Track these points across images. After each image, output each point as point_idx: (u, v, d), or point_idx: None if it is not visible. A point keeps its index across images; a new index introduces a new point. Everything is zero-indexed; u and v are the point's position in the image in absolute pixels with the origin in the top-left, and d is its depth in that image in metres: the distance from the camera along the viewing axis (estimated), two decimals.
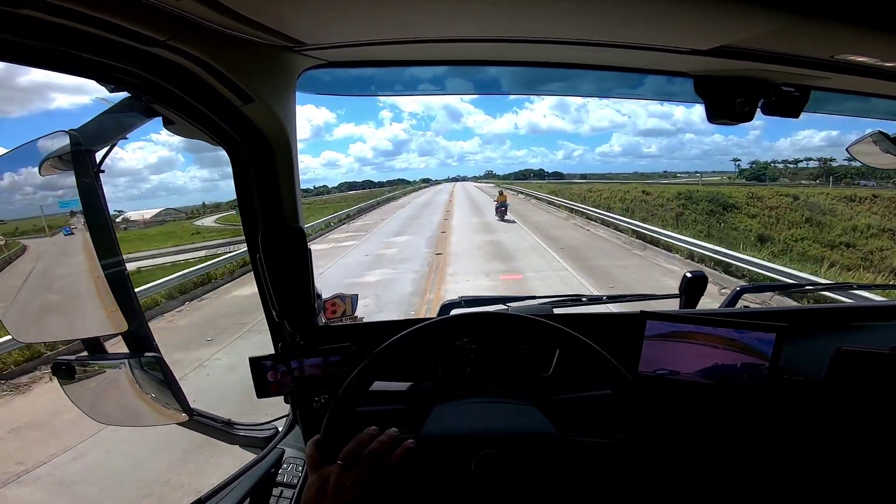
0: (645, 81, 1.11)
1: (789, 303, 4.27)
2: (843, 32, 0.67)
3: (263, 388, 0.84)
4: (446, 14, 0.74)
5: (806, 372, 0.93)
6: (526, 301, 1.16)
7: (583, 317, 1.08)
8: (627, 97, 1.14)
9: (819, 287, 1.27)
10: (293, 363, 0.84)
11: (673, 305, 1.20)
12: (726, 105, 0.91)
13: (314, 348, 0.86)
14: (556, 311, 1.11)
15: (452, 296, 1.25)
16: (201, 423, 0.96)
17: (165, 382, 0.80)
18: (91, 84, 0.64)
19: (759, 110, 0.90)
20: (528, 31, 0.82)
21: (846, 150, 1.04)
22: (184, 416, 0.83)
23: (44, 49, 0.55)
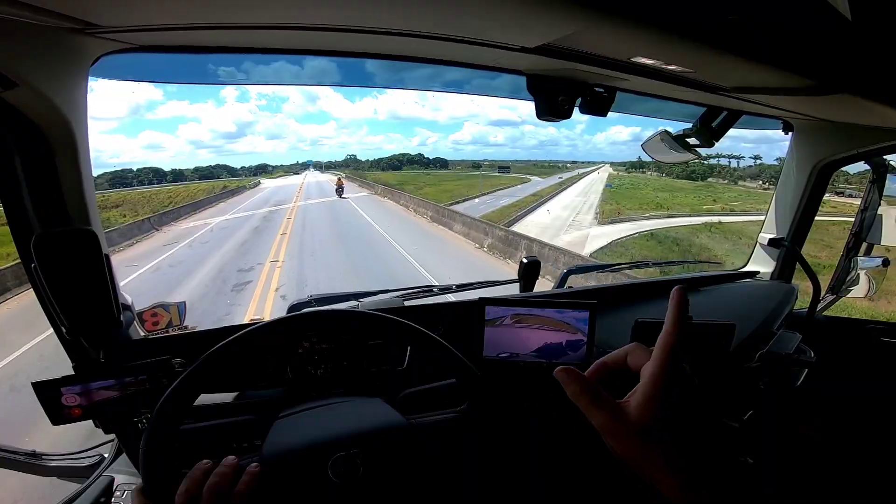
0: (495, 78, 1.16)
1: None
2: (635, 35, 0.74)
3: (59, 414, 0.74)
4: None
5: (615, 344, 1.04)
6: (378, 295, 1.16)
7: (433, 307, 1.11)
8: (478, 93, 1.18)
9: (625, 266, 1.45)
10: (93, 384, 0.74)
11: (518, 290, 1.29)
12: (551, 102, 0.98)
13: (124, 365, 0.77)
14: (407, 303, 1.12)
15: None
16: None
17: None
18: None
19: (577, 108, 0.99)
20: (358, 20, 0.79)
21: (641, 146, 1.19)
22: None
23: None
